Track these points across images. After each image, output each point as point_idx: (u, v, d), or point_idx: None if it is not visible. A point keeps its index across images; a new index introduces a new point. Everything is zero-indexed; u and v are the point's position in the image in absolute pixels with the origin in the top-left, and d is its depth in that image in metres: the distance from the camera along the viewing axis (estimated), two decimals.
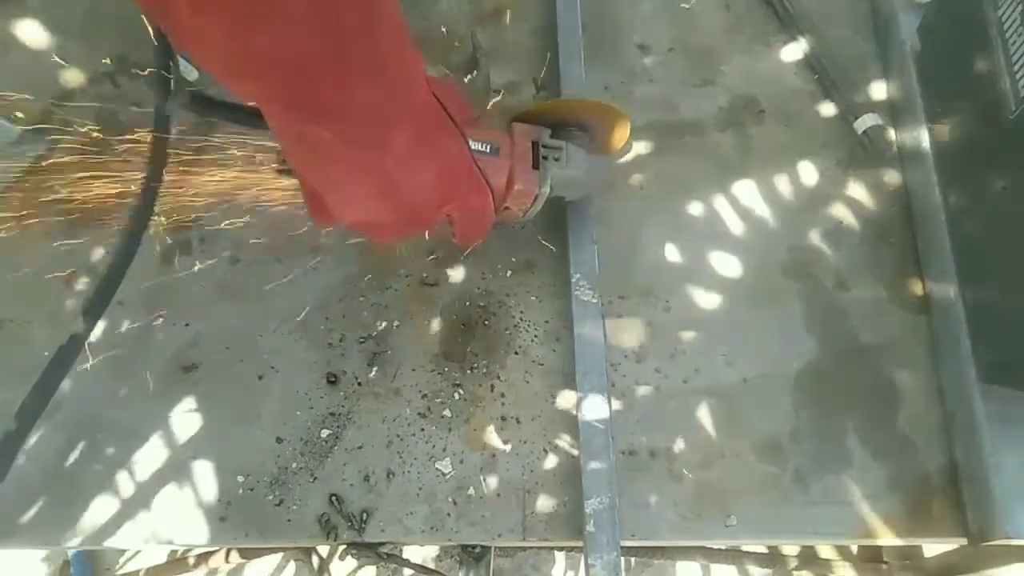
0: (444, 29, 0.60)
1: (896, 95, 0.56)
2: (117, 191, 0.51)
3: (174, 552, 0.80)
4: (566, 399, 0.48)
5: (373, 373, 0.48)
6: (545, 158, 0.44)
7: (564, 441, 0.46)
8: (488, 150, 0.42)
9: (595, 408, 0.45)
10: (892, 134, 0.55)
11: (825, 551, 0.75)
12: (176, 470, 0.46)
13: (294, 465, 0.46)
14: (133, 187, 0.50)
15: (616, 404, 0.47)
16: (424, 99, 0.36)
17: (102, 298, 0.46)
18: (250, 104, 0.37)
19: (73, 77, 0.58)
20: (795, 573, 0.65)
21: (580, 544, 0.43)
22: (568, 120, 0.46)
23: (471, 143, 0.41)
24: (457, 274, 0.51)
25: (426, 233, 0.49)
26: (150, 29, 0.54)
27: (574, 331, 0.47)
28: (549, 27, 0.60)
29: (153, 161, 0.51)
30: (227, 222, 0.52)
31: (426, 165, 0.36)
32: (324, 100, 0.30)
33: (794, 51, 0.60)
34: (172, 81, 0.47)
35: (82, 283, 0.51)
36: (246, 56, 0.27)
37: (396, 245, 0.52)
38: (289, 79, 0.29)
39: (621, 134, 0.48)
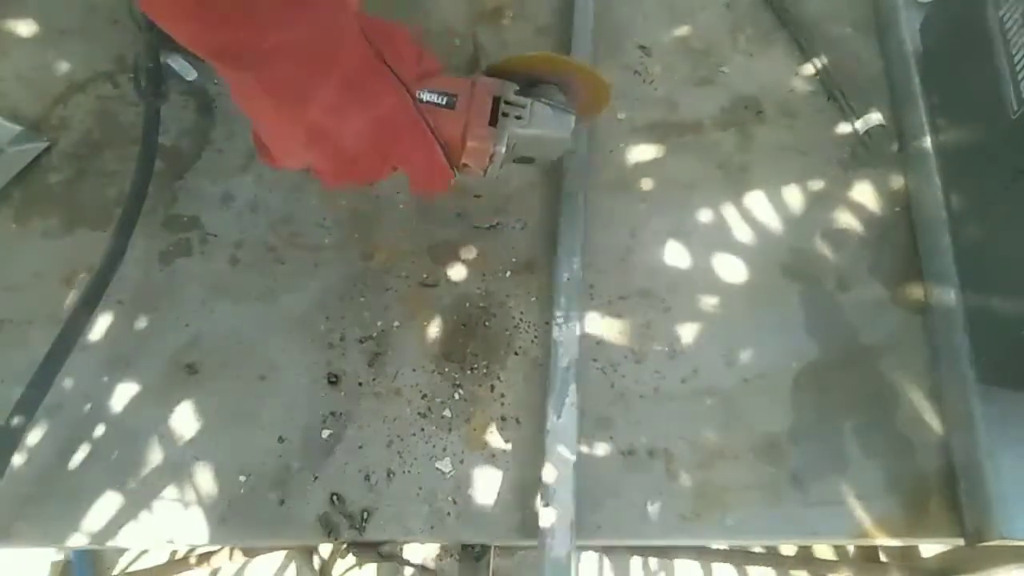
0: (445, 29, 0.60)
1: (897, 95, 0.56)
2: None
3: (175, 552, 0.80)
4: None
5: (373, 373, 0.48)
6: (505, 115, 0.41)
7: None
8: (443, 102, 0.40)
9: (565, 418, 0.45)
10: (893, 134, 0.55)
11: (823, 551, 0.75)
12: (177, 470, 0.46)
13: (295, 465, 0.46)
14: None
15: (615, 404, 0.47)
16: (355, 51, 0.35)
17: (96, 290, 0.47)
18: None
19: (73, 77, 0.58)
20: (793, 573, 0.65)
21: (579, 544, 0.43)
22: (547, 78, 0.44)
23: (424, 93, 0.40)
24: (457, 275, 0.51)
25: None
26: (137, 25, 0.54)
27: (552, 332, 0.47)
28: (550, 27, 0.60)
29: (142, 158, 0.51)
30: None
31: (356, 116, 0.36)
32: (241, 45, 0.31)
33: (795, 51, 0.59)
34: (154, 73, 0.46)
35: (82, 283, 0.51)
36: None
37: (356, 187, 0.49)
38: (207, 22, 0.30)
39: (600, 100, 0.47)
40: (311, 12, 0.32)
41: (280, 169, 0.42)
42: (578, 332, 0.47)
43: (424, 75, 0.40)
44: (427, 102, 0.40)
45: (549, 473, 0.43)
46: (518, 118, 0.41)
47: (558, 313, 0.47)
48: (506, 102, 0.42)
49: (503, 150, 0.41)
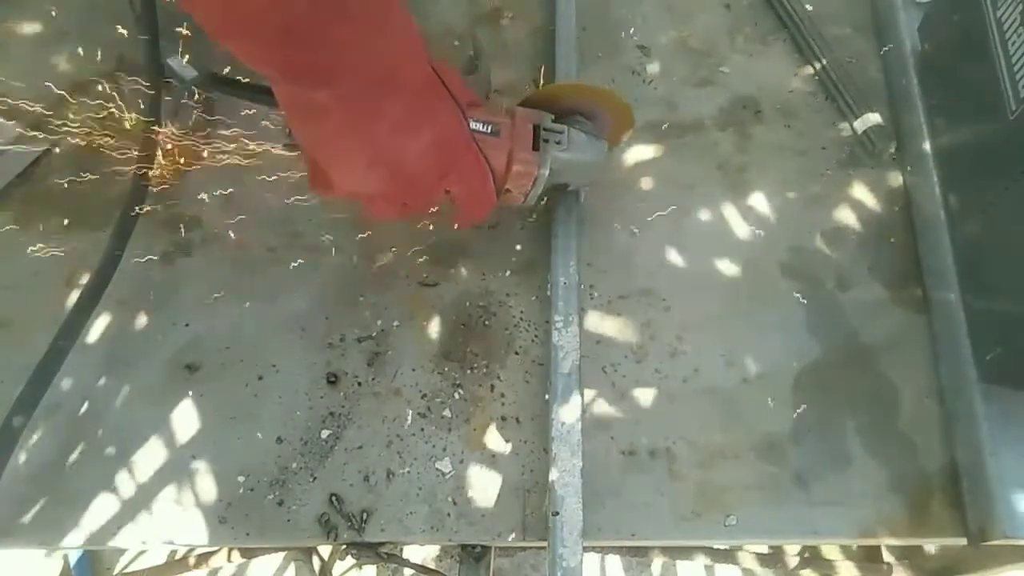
0: (444, 29, 0.60)
1: (896, 94, 0.56)
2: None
3: (174, 552, 0.80)
4: None
5: (373, 373, 0.48)
6: (546, 140, 0.44)
7: None
8: (488, 130, 0.42)
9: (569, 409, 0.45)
10: (892, 134, 0.55)
11: (825, 551, 0.75)
12: (176, 470, 0.46)
13: (294, 465, 0.46)
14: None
15: (616, 404, 0.47)
16: (421, 70, 0.36)
17: (95, 290, 0.47)
18: (261, 83, 0.38)
19: (73, 77, 0.58)
20: (794, 573, 0.65)
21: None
22: (572, 107, 0.46)
23: (471, 123, 0.42)
24: (457, 274, 0.51)
25: (428, 212, 0.48)
26: (143, 28, 0.54)
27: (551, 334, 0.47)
28: (549, 27, 0.60)
29: (142, 157, 0.51)
30: (227, 220, 0.53)
31: (421, 133, 0.37)
32: (316, 62, 0.31)
33: (794, 51, 0.60)
34: (175, 69, 0.47)
35: (82, 283, 0.51)
36: (240, 13, 0.29)
37: (397, 220, 0.50)
38: (281, 38, 0.30)
39: (625, 123, 0.49)
40: (387, 31, 0.33)
41: (333, 197, 0.42)
42: (578, 337, 0.47)
43: (470, 104, 0.42)
44: (474, 130, 0.42)
45: (557, 480, 0.43)
46: (558, 143, 0.44)
47: (557, 317, 0.47)
48: (545, 129, 0.44)
49: (546, 173, 0.44)
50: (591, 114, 0.47)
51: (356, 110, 0.34)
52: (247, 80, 0.46)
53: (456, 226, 0.47)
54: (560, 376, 0.45)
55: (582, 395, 0.46)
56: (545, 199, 0.49)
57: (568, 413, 0.44)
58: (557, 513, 0.42)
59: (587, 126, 0.46)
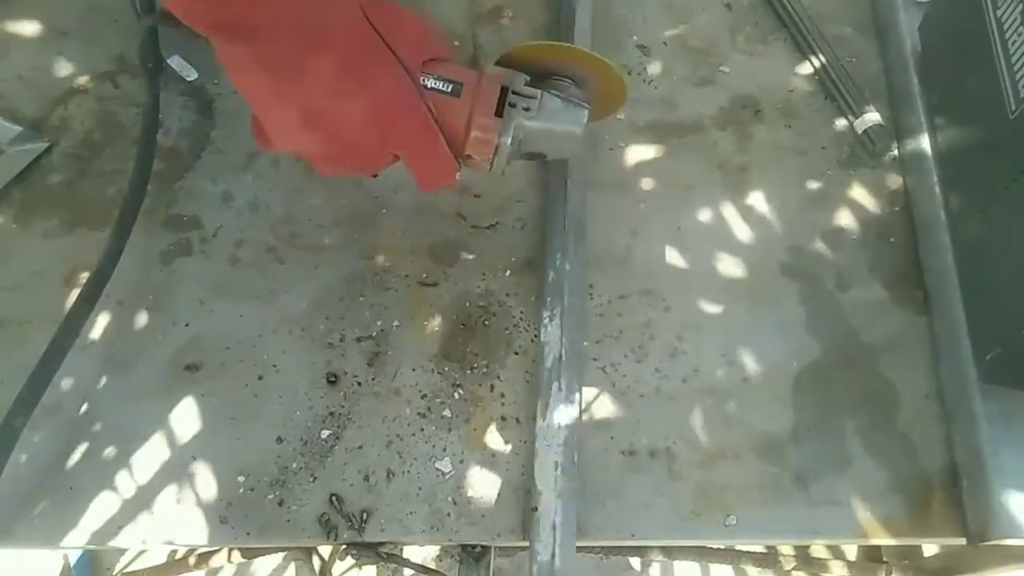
0: (444, 29, 0.60)
1: (896, 94, 0.56)
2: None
3: (174, 552, 0.80)
4: None
5: (373, 373, 0.48)
6: (512, 105, 0.39)
7: None
8: (449, 89, 0.38)
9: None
10: (892, 134, 0.55)
11: (823, 551, 0.75)
12: (176, 470, 0.46)
13: (294, 465, 0.46)
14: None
15: (616, 404, 0.47)
16: (351, 27, 0.34)
17: (94, 289, 0.47)
18: None
19: (73, 77, 0.58)
20: (794, 573, 0.65)
21: (579, 544, 0.43)
22: (559, 69, 0.42)
23: (428, 80, 0.38)
24: (457, 274, 0.51)
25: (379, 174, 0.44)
26: (142, 27, 0.54)
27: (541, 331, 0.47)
28: (550, 26, 0.60)
29: (141, 157, 0.51)
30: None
31: (354, 98, 0.34)
32: (235, 15, 0.30)
33: (794, 51, 0.60)
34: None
35: (82, 283, 0.51)
36: None
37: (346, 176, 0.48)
38: None
39: (616, 97, 0.45)
40: None
41: (276, 152, 0.41)
42: (560, 331, 0.46)
43: (430, 61, 0.39)
44: (431, 88, 0.38)
45: (537, 475, 0.43)
46: (526, 109, 0.39)
47: (544, 312, 0.47)
48: (514, 92, 0.40)
49: (508, 142, 0.40)
50: (580, 80, 0.42)
51: (281, 69, 0.32)
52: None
53: (419, 189, 0.43)
54: (543, 371, 0.45)
55: (580, 392, 0.46)
56: (510, 161, 0.42)
57: (549, 408, 0.44)
58: (535, 509, 0.42)
59: (570, 92, 0.41)
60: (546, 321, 0.47)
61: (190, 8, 0.31)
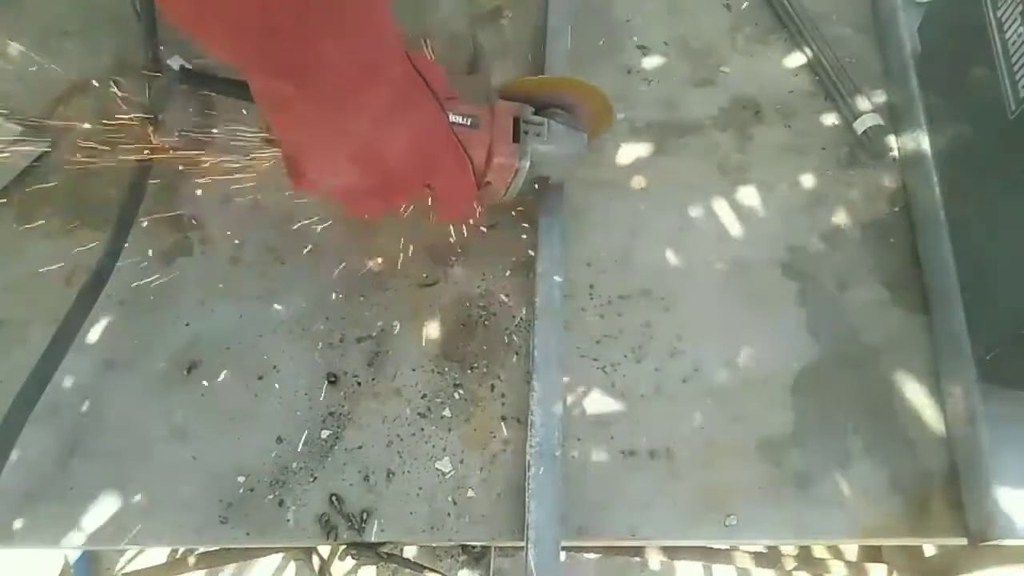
0: (444, 29, 0.60)
1: (896, 95, 0.56)
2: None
3: (174, 552, 0.80)
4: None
5: (373, 373, 0.48)
6: (526, 132, 0.44)
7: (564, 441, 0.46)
8: (468, 123, 0.43)
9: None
10: (892, 134, 0.55)
11: (823, 551, 0.75)
12: (176, 470, 0.46)
13: (294, 465, 0.46)
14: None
15: (616, 404, 0.47)
16: (400, 66, 0.36)
17: (94, 288, 0.47)
18: (236, 75, 0.38)
19: (73, 77, 0.58)
20: (794, 573, 0.65)
21: (579, 544, 0.43)
22: (549, 100, 0.47)
23: (451, 116, 0.42)
24: (457, 274, 0.51)
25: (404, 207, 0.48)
26: (142, 27, 0.54)
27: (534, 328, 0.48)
28: (549, 27, 0.60)
29: (141, 156, 0.51)
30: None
31: (400, 130, 0.36)
32: (289, 57, 0.31)
33: (794, 51, 0.60)
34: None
35: (81, 284, 0.51)
36: (211, 7, 0.28)
37: (376, 219, 0.50)
38: (253, 33, 0.29)
39: (604, 116, 0.49)
40: (367, 24, 0.32)
41: (310, 192, 0.42)
42: (553, 330, 0.47)
43: (448, 98, 0.42)
44: (454, 123, 0.42)
45: (531, 474, 0.43)
46: (538, 135, 0.44)
47: (537, 320, 0.47)
48: (525, 121, 0.45)
49: (527, 165, 0.44)
50: (569, 107, 0.47)
51: (334, 105, 0.34)
52: (223, 75, 0.46)
53: (435, 221, 0.47)
54: (536, 368, 0.46)
55: (559, 386, 0.46)
56: (527, 194, 0.49)
57: (538, 406, 0.45)
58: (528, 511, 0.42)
59: (566, 118, 0.47)
60: (537, 315, 0.47)
61: (240, 51, 0.31)
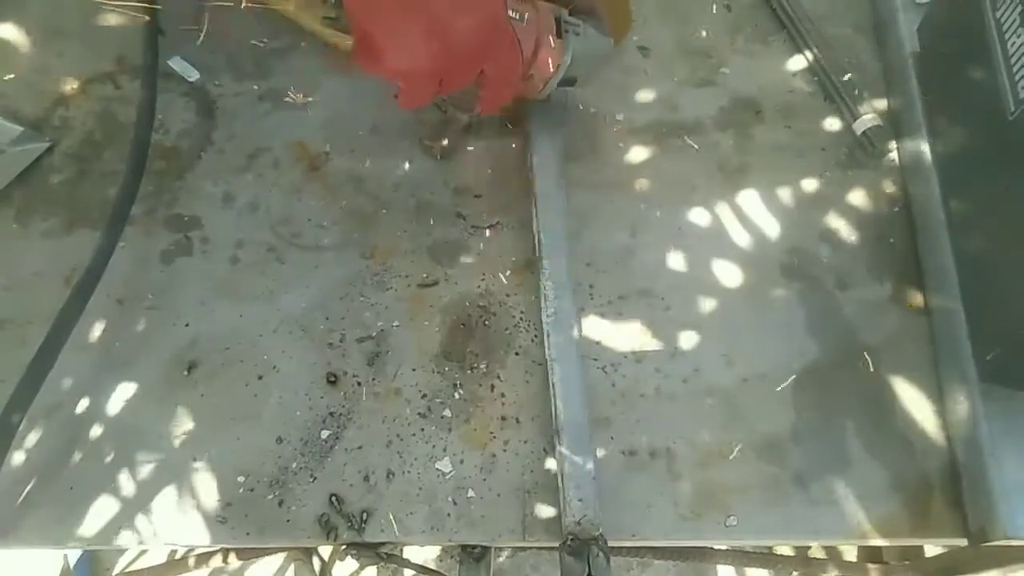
0: None
1: (895, 95, 0.56)
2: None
3: (174, 552, 0.80)
4: None
5: (373, 373, 0.48)
6: (567, 31, 0.47)
7: None
8: (518, 17, 0.46)
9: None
10: (891, 135, 0.55)
11: (824, 551, 0.75)
12: (176, 470, 0.46)
13: (294, 465, 0.46)
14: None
15: (616, 404, 0.47)
16: None
17: (87, 286, 0.47)
18: None
19: (73, 77, 0.58)
20: (794, 573, 0.65)
21: None
22: (580, 7, 0.50)
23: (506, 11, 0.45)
24: (457, 274, 0.51)
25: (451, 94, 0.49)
26: (144, 27, 0.54)
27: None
28: None
29: (135, 153, 0.51)
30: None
31: (469, 13, 0.41)
32: None
33: (794, 52, 0.60)
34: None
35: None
36: None
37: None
38: None
39: (624, 24, 0.54)
40: None
41: (376, 73, 0.43)
42: (565, 266, 0.48)
43: None
44: (509, 17, 0.45)
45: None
46: (577, 34, 0.48)
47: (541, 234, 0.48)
48: (565, 21, 0.48)
49: (568, 60, 0.47)
50: (589, 14, 0.50)
51: None
52: None
53: (479, 110, 0.49)
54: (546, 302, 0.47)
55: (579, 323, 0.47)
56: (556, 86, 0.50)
57: (559, 333, 0.46)
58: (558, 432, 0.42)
59: (594, 23, 0.50)
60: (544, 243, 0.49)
61: None
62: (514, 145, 0.55)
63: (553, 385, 0.45)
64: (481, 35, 0.42)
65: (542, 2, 0.47)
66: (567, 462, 0.42)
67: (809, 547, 0.74)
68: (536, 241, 0.49)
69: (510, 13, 0.45)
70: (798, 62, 0.59)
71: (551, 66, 0.47)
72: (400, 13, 0.40)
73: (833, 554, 0.75)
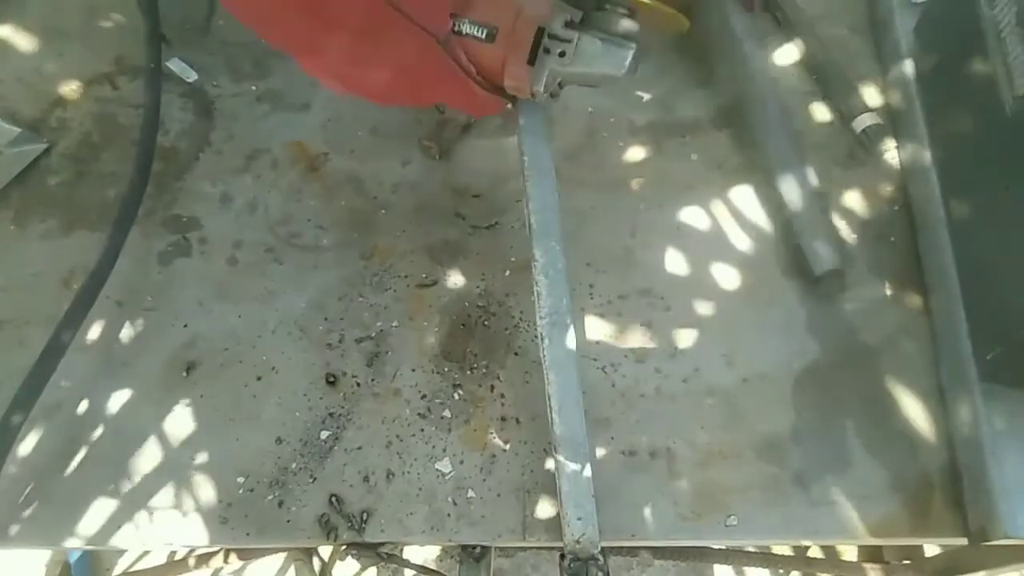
0: None
1: (893, 94, 0.56)
2: None
3: (174, 553, 0.80)
4: None
5: (372, 374, 0.48)
6: (547, 51, 0.39)
7: None
8: (483, 35, 0.39)
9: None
10: (890, 134, 0.55)
11: (824, 551, 0.75)
12: (176, 471, 0.46)
13: (294, 466, 0.46)
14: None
15: (616, 404, 0.47)
16: (361, 4, 0.39)
17: (91, 290, 0.47)
18: None
19: (71, 78, 0.58)
20: (794, 573, 0.65)
21: None
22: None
23: (464, 25, 0.39)
24: (456, 274, 0.51)
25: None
26: (146, 32, 0.54)
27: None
28: None
29: (140, 156, 0.51)
30: None
31: (376, 66, 0.39)
32: (251, 14, 0.38)
33: (792, 52, 0.60)
34: None
35: (80, 284, 0.50)
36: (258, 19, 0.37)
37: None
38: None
39: (675, 26, 0.46)
40: None
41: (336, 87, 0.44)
42: (561, 272, 0.44)
43: (466, 5, 0.40)
44: (467, 34, 0.39)
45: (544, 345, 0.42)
46: (561, 55, 0.39)
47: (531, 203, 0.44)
48: (550, 35, 0.39)
49: (541, 90, 0.40)
50: (632, 11, 0.41)
51: (295, 48, 0.39)
52: None
53: (474, 115, 0.47)
54: (539, 292, 0.43)
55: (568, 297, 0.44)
56: (560, 89, 0.43)
57: (555, 337, 0.43)
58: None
59: (619, 26, 0.39)
60: (538, 265, 0.44)
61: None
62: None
63: (549, 397, 0.42)
64: (405, 80, 0.40)
65: (531, 9, 0.40)
66: (565, 478, 0.41)
67: (809, 547, 0.74)
68: (527, 227, 0.44)
69: (467, 29, 0.39)
70: (796, 61, 0.59)
71: (523, 93, 0.41)
72: (310, 66, 0.40)
73: (833, 554, 0.75)
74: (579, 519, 0.41)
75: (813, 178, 0.44)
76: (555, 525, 0.44)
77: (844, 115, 0.56)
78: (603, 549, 0.41)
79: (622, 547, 0.50)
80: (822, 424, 0.47)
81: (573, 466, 0.41)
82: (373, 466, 0.46)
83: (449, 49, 0.39)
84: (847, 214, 0.53)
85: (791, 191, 0.46)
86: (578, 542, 0.41)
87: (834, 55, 0.57)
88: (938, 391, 0.47)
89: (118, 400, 0.47)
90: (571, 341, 0.43)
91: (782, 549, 0.66)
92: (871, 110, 0.55)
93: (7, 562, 0.80)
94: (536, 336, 0.49)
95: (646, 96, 0.58)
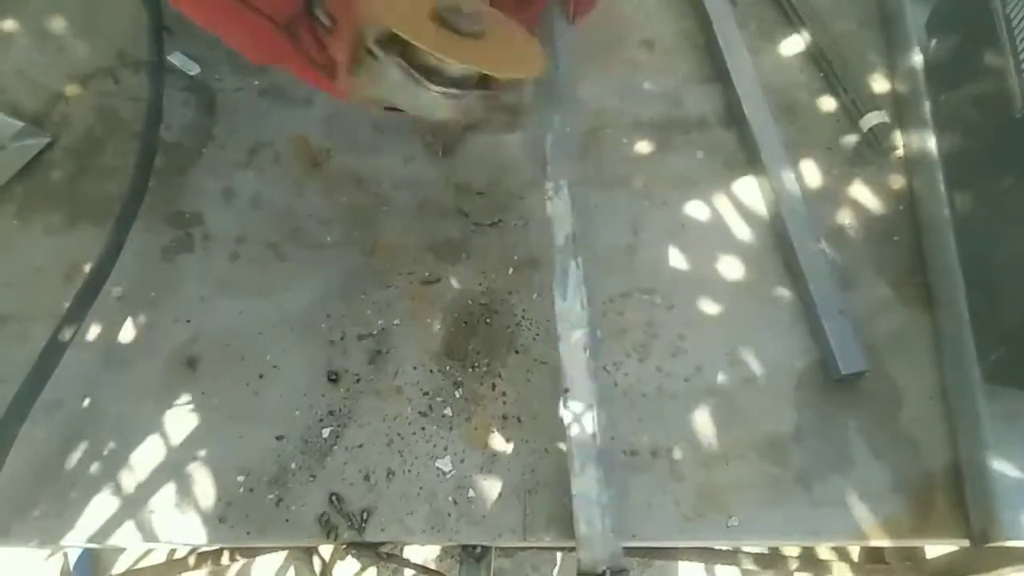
0: None
1: (902, 91, 0.56)
2: None
3: (174, 552, 0.80)
4: None
5: (374, 371, 0.48)
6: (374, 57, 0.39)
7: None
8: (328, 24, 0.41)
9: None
10: (897, 131, 0.55)
11: (826, 552, 0.75)
12: (176, 469, 0.45)
13: (294, 464, 0.45)
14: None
15: (618, 403, 0.47)
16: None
17: (94, 285, 0.47)
18: None
19: (73, 72, 0.58)
20: (796, 574, 0.65)
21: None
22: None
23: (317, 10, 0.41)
24: (459, 272, 0.51)
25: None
26: (147, 22, 0.54)
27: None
28: None
29: (142, 151, 0.51)
30: None
31: (230, 38, 0.44)
32: None
33: (799, 46, 0.59)
34: None
35: (82, 280, 0.50)
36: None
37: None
38: None
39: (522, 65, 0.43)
40: None
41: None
42: (570, 204, 0.46)
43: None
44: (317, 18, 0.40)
45: (566, 362, 0.42)
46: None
47: (549, 186, 0.46)
48: (365, 47, 0.37)
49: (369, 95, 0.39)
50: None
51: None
52: None
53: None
54: (557, 249, 0.45)
55: (579, 266, 0.45)
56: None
57: (568, 288, 0.44)
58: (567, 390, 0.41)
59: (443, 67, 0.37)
60: (551, 193, 0.46)
61: None
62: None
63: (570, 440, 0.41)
64: (256, 45, 0.44)
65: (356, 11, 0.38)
66: (580, 501, 0.41)
67: (811, 547, 0.74)
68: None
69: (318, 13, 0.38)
70: (803, 58, 0.59)
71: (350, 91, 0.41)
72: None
73: (836, 555, 0.75)
74: (589, 536, 0.40)
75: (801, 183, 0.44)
76: (555, 525, 0.44)
77: (851, 112, 0.56)
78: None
79: (622, 547, 0.50)
80: (824, 424, 0.46)
81: (591, 483, 0.41)
82: (374, 464, 0.45)
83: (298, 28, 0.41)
84: (852, 212, 0.53)
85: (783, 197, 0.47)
86: (592, 560, 0.40)
87: (842, 50, 0.57)
88: (941, 392, 0.47)
89: (119, 397, 0.47)
90: (587, 360, 0.43)
91: (785, 550, 0.66)
92: (878, 108, 0.54)
93: (7, 562, 0.80)
94: (538, 335, 0.49)
95: (653, 91, 0.58)
